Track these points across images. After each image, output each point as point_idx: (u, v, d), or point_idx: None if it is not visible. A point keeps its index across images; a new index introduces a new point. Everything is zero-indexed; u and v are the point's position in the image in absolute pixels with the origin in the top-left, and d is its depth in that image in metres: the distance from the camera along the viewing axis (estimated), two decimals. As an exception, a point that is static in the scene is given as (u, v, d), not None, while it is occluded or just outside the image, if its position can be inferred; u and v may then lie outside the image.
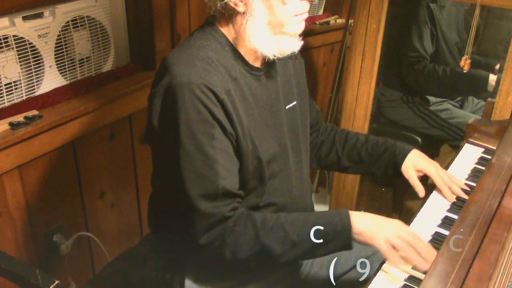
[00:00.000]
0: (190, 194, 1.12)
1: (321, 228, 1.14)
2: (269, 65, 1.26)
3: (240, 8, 1.14)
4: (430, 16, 2.35)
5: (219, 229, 1.13)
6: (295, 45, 1.21)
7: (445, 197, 1.40)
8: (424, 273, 1.08)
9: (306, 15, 1.20)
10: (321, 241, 1.14)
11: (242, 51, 1.20)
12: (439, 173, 1.42)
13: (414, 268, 1.12)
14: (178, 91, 1.09)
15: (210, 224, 1.12)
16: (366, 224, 1.14)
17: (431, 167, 1.42)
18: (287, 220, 1.16)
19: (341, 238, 1.14)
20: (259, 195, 1.25)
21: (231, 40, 1.19)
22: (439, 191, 1.42)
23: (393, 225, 1.14)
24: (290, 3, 1.15)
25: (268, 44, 1.17)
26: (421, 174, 1.44)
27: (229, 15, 1.17)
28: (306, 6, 1.19)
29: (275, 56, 1.20)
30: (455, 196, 1.40)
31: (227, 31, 1.20)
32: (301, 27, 1.20)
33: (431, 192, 1.43)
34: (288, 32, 1.18)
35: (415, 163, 1.43)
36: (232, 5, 1.14)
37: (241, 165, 1.18)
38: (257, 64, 1.24)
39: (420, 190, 1.40)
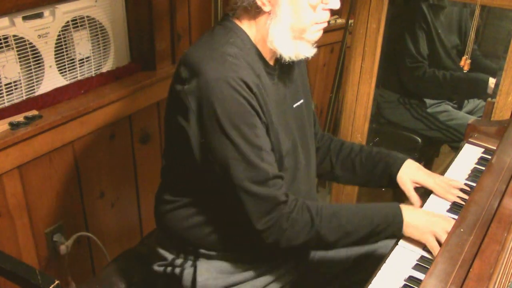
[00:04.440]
0: (241, 184, 1.13)
1: (374, 219, 1.21)
2: (281, 64, 1.28)
3: (266, 8, 1.16)
4: (424, 18, 2.34)
5: (275, 214, 1.15)
6: (311, 51, 1.24)
7: (454, 200, 1.39)
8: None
9: (325, 24, 1.23)
10: (372, 231, 1.20)
11: (261, 49, 1.22)
12: (437, 183, 1.42)
13: None
14: (215, 86, 1.10)
15: (267, 208, 1.15)
16: (415, 218, 1.21)
17: (429, 179, 1.42)
18: (341, 209, 1.21)
19: (391, 229, 1.21)
20: None
21: (251, 38, 1.21)
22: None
23: (443, 222, 1.21)
24: (317, 11, 1.17)
25: (288, 47, 1.20)
26: (418, 185, 1.43)
27: (254, 13, 1.19)
28: (327, 16, 1.21)
29: (290, 59, 1.22)
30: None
31: (248, 29, 1.21)
32: (318, 35, 1.24)
33: (431, 192, 1.43)
34: (307, 38, 1.21)
35: (411, 176, 1.43)
36: (259, 3, 1.16)
37: None
38: (271, 63, 1.27)
39: (416, 201, 1.40)
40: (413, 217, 1.21)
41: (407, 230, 1.21)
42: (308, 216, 1.17)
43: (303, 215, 1.17)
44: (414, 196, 1.41)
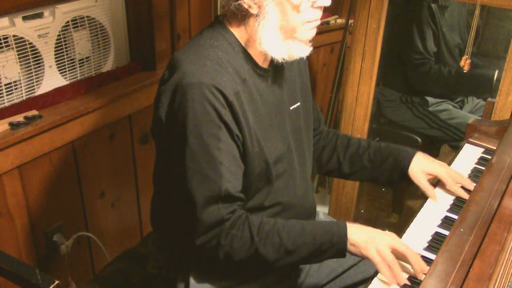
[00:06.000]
0: (193, 194, 1.11)
1: (317, 238, 1.14)
2: (276, 66, 1.25)
3: (254, 10, 1.14)
4: (432, 16, 2.34)
5: (215, 231, 1.13)
6: (305, 50, 1.21)
7: (462, 196, 1.38)
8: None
9: (318, 22, 1.20)
10: (315, 250, 1.15)
11: (252, 52, 1.20)
12: (450, 174, 1.41)
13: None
14: (187, 91, 1.09)
15: (208, 226, 1.12)
16: (360, 236, 1.15)
17: (441, 169, 1.41)
18: (284, 227, 1.16)
19: (335, 249, 1.15)
20: (265, 195, 1.25)
21: (241, 41, 1.19)
22: (439, 190, 1.42)
23: (386, 237, 1.15)
24: (304, 10, 1.15)
25: (278, 48, 1.17)
26: (431, 177, 1.42)
27: (242, 16, 1.17)
28: (319, 13, 1.19)
29: (284, 60, 1.20)
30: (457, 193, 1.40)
31: (238, 32, 1.19)
32: (312, 33, 1.21)
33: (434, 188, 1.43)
34: (299, 37, 1.18)
35: (424, 167, 1.41)
36: (245, 6, 1.14)
37: (247, 167, 1.18)
38: (265, 65, 1.24)
39: (432, 195, 1.38)
40: (357, 236, 1.15)
41: (351, 249, 1.15)
42: (248, 233, 1.13)
43: (243, 232, 1.13)
44: (429, 190, 1.39)
